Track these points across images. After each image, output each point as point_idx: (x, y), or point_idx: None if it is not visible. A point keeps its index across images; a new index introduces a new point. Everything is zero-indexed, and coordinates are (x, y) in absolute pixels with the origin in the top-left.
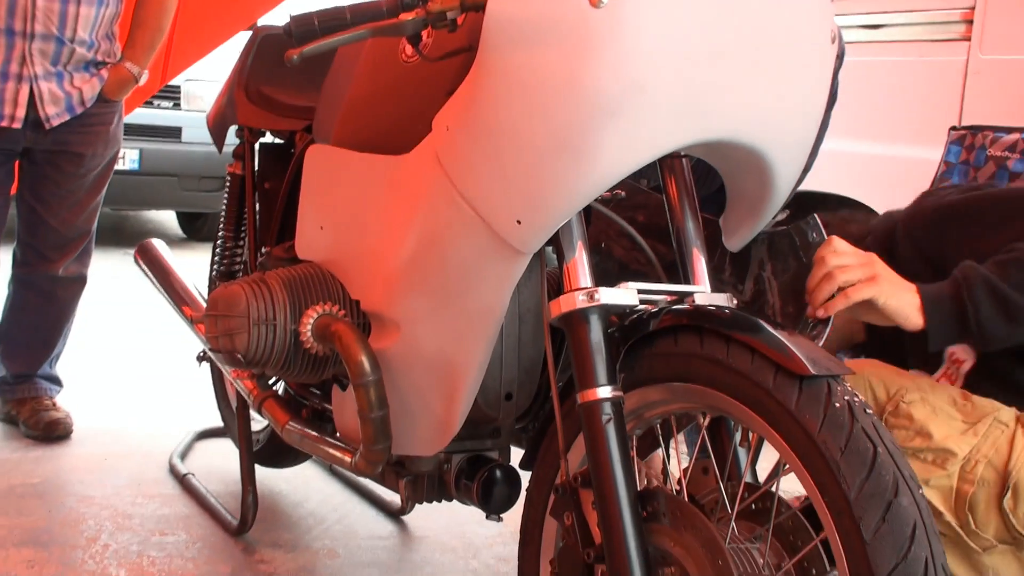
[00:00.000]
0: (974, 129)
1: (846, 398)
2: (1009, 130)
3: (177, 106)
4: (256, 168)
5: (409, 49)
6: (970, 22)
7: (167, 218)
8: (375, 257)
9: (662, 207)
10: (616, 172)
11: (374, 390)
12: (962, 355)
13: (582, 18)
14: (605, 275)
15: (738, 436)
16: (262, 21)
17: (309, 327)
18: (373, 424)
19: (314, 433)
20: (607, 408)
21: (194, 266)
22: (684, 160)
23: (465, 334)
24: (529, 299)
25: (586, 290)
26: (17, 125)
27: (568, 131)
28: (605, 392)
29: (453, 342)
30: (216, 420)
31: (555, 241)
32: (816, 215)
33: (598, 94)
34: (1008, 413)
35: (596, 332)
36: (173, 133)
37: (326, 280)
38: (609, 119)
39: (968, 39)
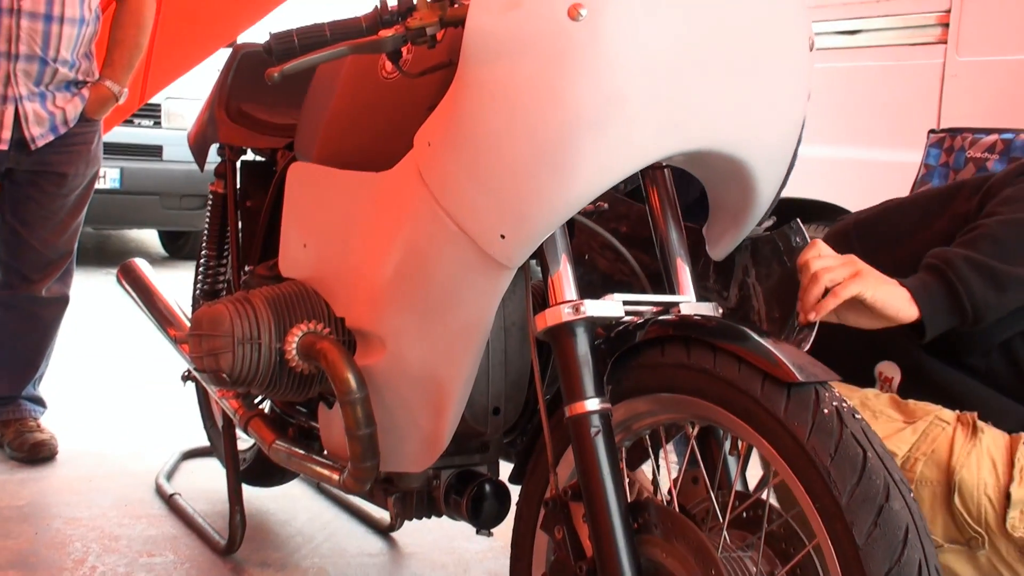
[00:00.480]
0: (953, 131)
1: (834, 404)
2: (988, 131)
3: (158, 124)
4: (238, 186)
5: (389, 65)
6: (946, 25)
7: (149, 237)
8: (359, 274)
9: (645, 217)
10: (599, 184)
11: (361, 408)
12: (890, 372)
13: (561, 31)
14: (590, 287)
15: (727, 445)
16: (242, 38)
17: (294, 345)
18: (361, 442)
19: (301, 451)
20: (595, 421)
21: (177, 285)
22: (666, 170)
23: (451, 349)
24: (514, 312)
25: (572, 303)
26: (4, 147)
27: (550, 144)
28: (593, 405)
29: (439, 357)
30: (202, 439)
31: (539, 254)
32: (799, 220)
33: (579, 106)
34: (948, 413)
35: (583, 345)
36: (154, 151)
37: (310, 298)
38: (590, 131)
39: (944, 42)
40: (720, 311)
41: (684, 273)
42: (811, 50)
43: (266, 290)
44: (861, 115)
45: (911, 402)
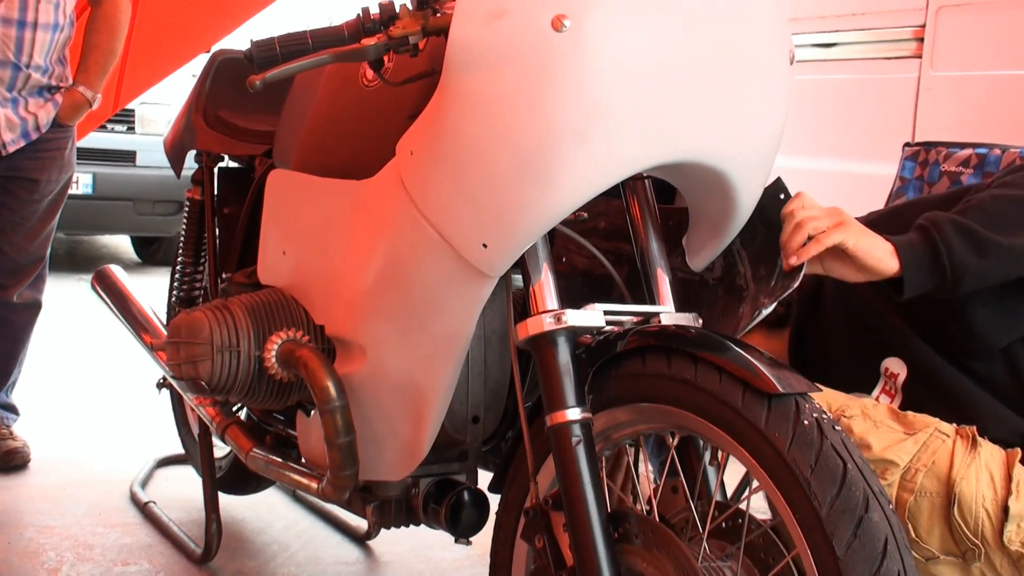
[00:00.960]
0: (928, 145)
1: (814, 415)
2: (962, 145)
3: (131, 130)
4: (215, 193)
5: (370, 73)
6: (921, 39)
7: (122, 242)
8: (339, 282)
9: (622, 211)
10: (581, 195)
11: (340, 416)
12: (896, 368)
13: (544, 41)
14: (568, 291)
15: (707, 455)
16: (218, 46)
17: (274, 353)
18: (340, 450)
19: (279, 460)
20: (576, 430)
21: (150, 291)
22: (647, 181)
23: (432, 358)
24: (494, 321)
25: (553, 312)
26: None
27: (532, 154)
28: (574, 414)
29: (420, 366)
30: (177, 447)
31: (520, 263)
32: (780, 176)
33: (561, 117)
34: (947, 426)
35: (564, 354)
36: (127, 157)
37: (289, 306)
38: (572, 142)
39: (920, 56)
40: (700, 322)
41: (664, 283)
42: (791, 63)
43: (245, 298)
44: (836, 127)
45: (909, 414)
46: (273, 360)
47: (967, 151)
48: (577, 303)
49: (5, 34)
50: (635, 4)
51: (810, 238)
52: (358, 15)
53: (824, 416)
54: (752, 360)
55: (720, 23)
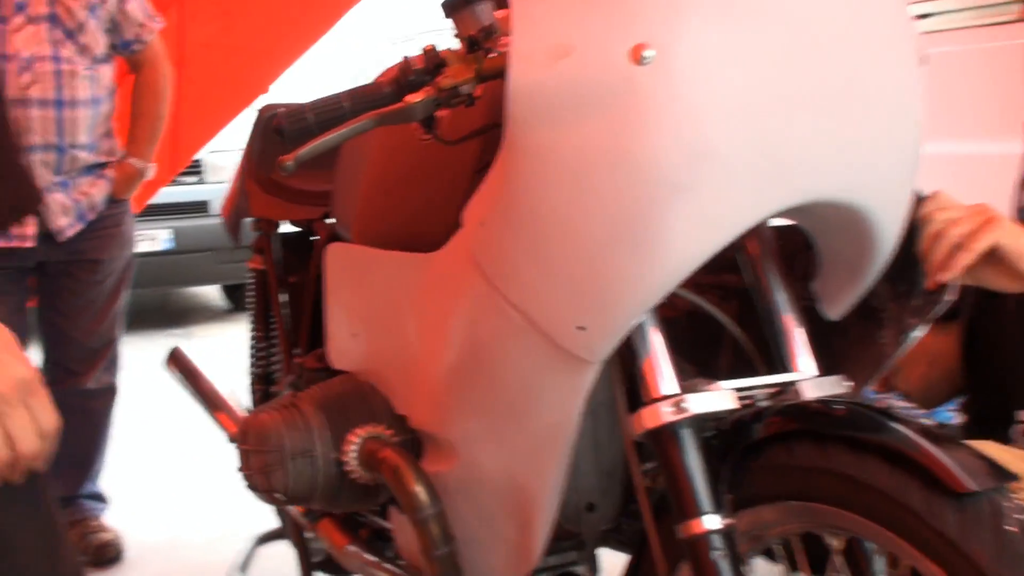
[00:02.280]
0: None
1: (1019, 516)
2: None
3: (201, 180)
4: (279, 261)
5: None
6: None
7: (210, 291)
8: (417, 369)
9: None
10: (693, 258)
11: (435, 524)
12: None
13: (625, 79)
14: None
15: (880, 561)
16: (274, 87)
17: (353, 455)
18: (440, 562)
19: (375, 559)
20: (716, 542)
21: (242, 340)
22: (766, 225)
23: (533, 456)
24: (601, 391)
25: (672, 399)
26: (30, 244)
27: (628, 217)
28: (712, 522)
29: (520, 465)
30: (274, 519)
31: (627, 341)
32: None
33: (657, 168)
34: None
35: (690, 449)
36: (200, 208)
37: (366, 395)
38: (675, 197)
39: None
40: (848, 383)
41: (798, 342)
42: (922, 65)
43: (316, 391)
44: (946, 105)
45: None
46: (353, 462)
47: None
48: (682, 347)
49: (44, 116)
50: (730, 19)
51: (957, 246)
52: (399, 65)
53: None
54: (927, 446)
55: (836, 30)
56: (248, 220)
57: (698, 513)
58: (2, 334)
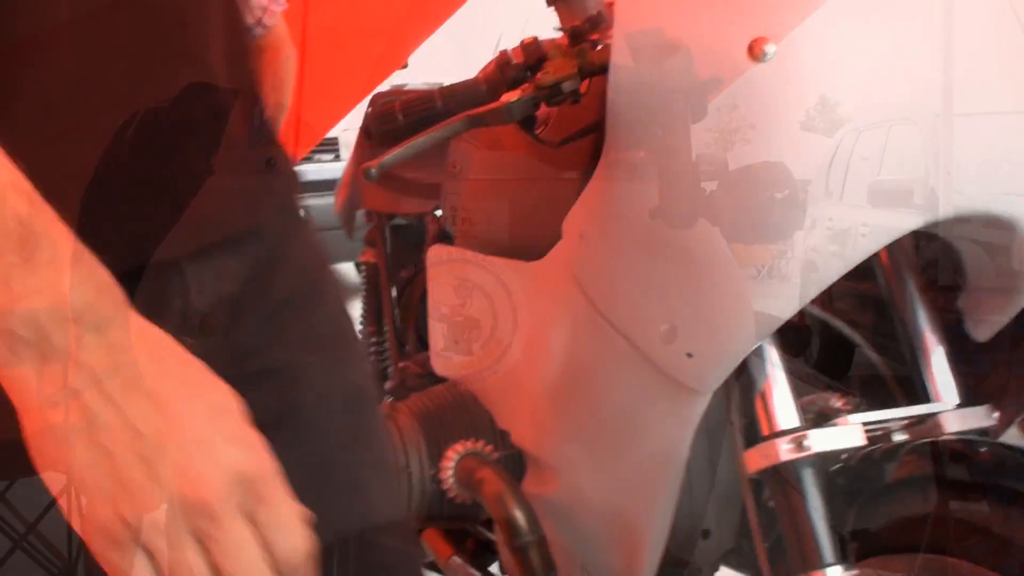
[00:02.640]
0: None
1: None
2: None
3: (337, 157)
4: (391, 255)
5: None
6: None
7: (345, 269)
8: (518, 386)
9: None
10: (822, 279)
11: (536, 552)
12: None
13: (746, 79)
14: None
15: None
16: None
17: (451, 471)
18: None
19: (478, 574)
20: None
21: None
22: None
23: (638, 485)
24: (715, 409)
25: (792, 435)
26: None
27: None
28: (835, 575)
29: (624, 495)
30: None
31: (743, 365)
32: None
33: (787, 175)
34: None
35: (812, 491)
36: (335, 186)
37: (467, 407)
38: (809, 206)
39: None
40: (994, 414)
41: (939, 367)
42: None
43: (414, 401)
44: None
45: None
46: (450, 480)
47: None
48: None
49: None
50: (856, 6)
51: None
52: (496, 60)
53: None
54: None
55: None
56: (360, 211)
57: (820, 565)
58: (222, 400)
